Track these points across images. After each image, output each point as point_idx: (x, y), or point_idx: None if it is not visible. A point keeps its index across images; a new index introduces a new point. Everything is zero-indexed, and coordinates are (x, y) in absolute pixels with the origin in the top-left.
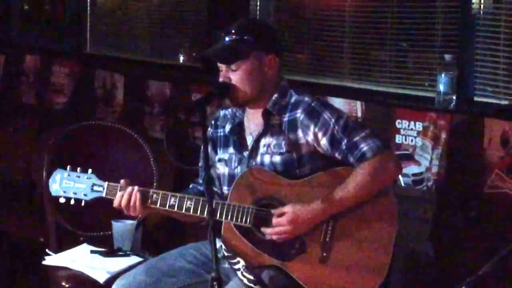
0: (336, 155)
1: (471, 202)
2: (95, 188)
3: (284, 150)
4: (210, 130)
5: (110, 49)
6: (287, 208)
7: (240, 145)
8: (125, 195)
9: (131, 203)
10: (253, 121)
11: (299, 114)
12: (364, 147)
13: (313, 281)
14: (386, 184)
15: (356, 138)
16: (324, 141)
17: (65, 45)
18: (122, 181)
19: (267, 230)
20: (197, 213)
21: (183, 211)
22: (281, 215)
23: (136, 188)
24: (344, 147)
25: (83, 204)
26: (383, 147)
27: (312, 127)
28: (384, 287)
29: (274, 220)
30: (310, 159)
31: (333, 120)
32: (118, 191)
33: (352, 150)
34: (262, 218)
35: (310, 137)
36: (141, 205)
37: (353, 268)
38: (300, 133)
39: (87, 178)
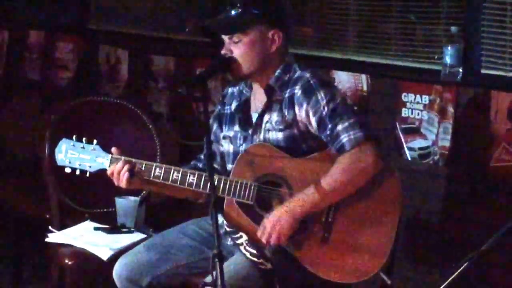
0: (323, 137)
1: (478, 175)
2: (99, 160)
3: (284, 126)
4: (218, 106)
5: (114, 24)
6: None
7: (245, 122)
8: (117, 167)
9: (120, 175)
10: (258, 97)
11: (297, 90)
12: (344, 138)
13: (313, 261)
14: (365, 177)
15: (339, 127)
16: (313, 122)
17: (69, 21)
18: (113, 148)
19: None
20: (199, 188)
21: (186, 186)
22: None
23: (137, 165)
24: (328, 133)
25: (87, 175)
26: (364, 138)
27: (305, 105)
28: (387, 269)
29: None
30: (311, 136)
31: (324, 101)
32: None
33: (333, 139)
34: (264, 195)
35: (303, 115)
36: (128, 179)
37: (354, 249)
38: (297, 109)
39: (91, 149)
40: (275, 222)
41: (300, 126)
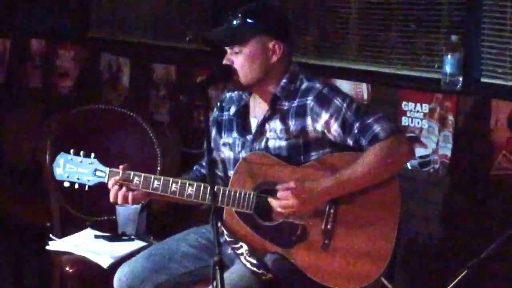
0: (348, 140)
1: (478, 184)
2: (98, 173)
3: (290, 135)
4: (216, 112)
5: (116, 32)
6: (293, 182)
7: (243, 128)
8: (112, 190)
9: (119, 197)
10: (259, 104)
11: (310, 101)
12: (377, 128)
13: (314, 268)
14: (398, 167)
15: (369, 120)
16: (335, 127)
17: (70, 29)
18: (120, 167)
19: (273, 202)
20: (198, 199)
21: (184, 197)
22: (287, 188)
23: (135, 178)
24: (356, 131)
25: (86, 188)
26: (397, 129)
27: (323, 115)
28: (387, 275)
29: (280, 194)
30: (317, 146)
31: (345, 105)
32: (119, 176)
33: (364, 132)
34: (263, 204)
35: (320, 124)
36: (132, 198)
37: (355, 256)
38: (308, 120)
39: (89, 163)
40: (303, 197)
41: (309, 136)
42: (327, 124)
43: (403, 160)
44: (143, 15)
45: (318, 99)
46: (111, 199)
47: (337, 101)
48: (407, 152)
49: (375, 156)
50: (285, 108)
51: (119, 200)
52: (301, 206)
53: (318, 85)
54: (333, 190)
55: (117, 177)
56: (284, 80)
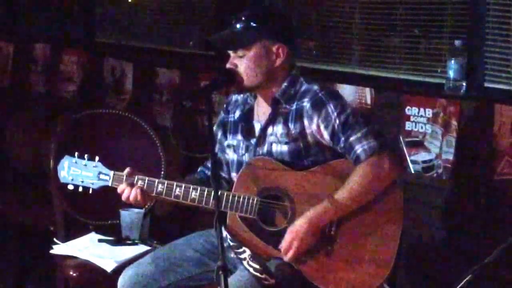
0: (338, 149)
1: (481, 189)
2: (102, 176)
3: (290, 139)
4: (222, 114)
5: (119, 37)
6: (289, 230)
7: (248, 132)
8: (126, 190)
9: (131, 198)
10: (261, 108)
11: (306, 103)
12: (358, 149)
13: (318, 274)
14: (383, 185)
15: (352, 138)
16: (325, 135)
17: (74, 34)
18: (126, 170)
19: (281, 251)
20: (202, 204)
21: (188, 201)
22: (286, 250)
23: (139, 182)
24: (342, 145)
25: (90, 192)
26: (379, 147)
27: (315, 118)
28: (390, 281)
29: (283, 244)
30: (317, 149)
31: (335, 113)
32: (123, 181)
33: (348, 151)
34: (266, 209)
35: (314, 128)
36: (142, 199)
37: (358, 262)
38: (306, 122)
39: (93, 166)
40: (294, 237)
41: (308, 139)
42: (318, 128)
43: (386, 178)
44: (147, 20)
45: (313, 102)
46: (124, 199)
47: (329, 108)
48: (389, 170)
49: (356, 178)
50: (286, 111)
51: (132, 198)
52: (303, 245)
53: (315, 88)
54: (324, 217)
55: (124, 183)
56: (285, 84)
